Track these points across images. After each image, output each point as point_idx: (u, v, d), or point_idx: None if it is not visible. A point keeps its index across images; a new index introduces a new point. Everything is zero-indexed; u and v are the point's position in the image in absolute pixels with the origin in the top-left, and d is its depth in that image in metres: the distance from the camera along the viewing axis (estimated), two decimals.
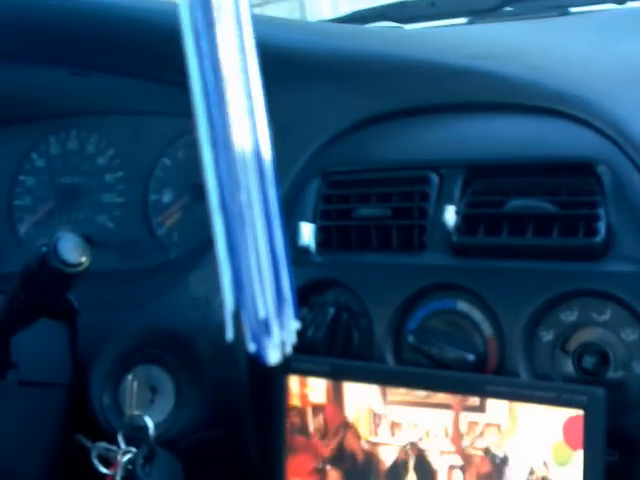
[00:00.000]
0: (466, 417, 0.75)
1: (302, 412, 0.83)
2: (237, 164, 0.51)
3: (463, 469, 0.76)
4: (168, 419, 0.92)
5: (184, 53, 0.51)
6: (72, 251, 0.78)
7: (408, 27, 1.36)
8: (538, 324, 0.77)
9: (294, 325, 0.50)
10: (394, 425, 0.79)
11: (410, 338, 0.81)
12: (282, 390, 0.84)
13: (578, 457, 0.70)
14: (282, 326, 0.50)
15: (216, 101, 0.51)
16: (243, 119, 0.51)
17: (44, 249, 0.78)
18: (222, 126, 0.51)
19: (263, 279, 0.50)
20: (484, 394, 0.74)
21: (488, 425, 0.74)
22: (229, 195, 0.50)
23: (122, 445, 0.90)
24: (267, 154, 0.51)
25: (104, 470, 0.90)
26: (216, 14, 0.51)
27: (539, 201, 0.79)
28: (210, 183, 0.51)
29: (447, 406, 0.76)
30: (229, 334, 0.48)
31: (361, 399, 0.81)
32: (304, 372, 0.83)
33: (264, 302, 0.50)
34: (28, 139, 1.24)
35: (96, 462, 0.90)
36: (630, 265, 0.74)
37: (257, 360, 0.49)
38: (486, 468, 0.74)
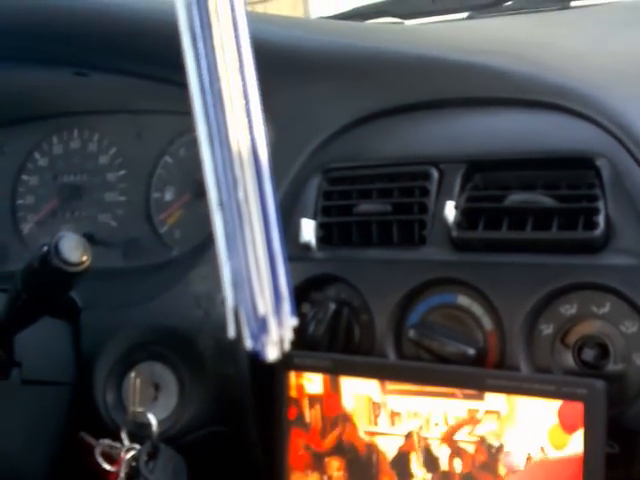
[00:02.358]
0: (465, 405, 0.76)
1: (300, 404, 0.84)
2: (234, 162, 0.51)
3: (464, 456, 0.76)
4: (171, 416, 0.92)
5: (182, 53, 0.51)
6: (73, 250, 0.79)
7: (408, 23, 1.37)
8: (538, 317, 0.77)
9: (292, 322, 0.50)
10: (394, 414, 0.79)
11: (411, 333, 0.81)
12: (283, 386, 0.84)
13: (574, 441, 0.71)
14: (280, 323, 0.50)
15: (213, 101, 0.51)
16: (239, 118, 0.51)
17: (45, 248, 0.79)
18: (219, 125, 0.51)
19: (261, 276, 0.51)
20: (485, 388, 0.75)
21: (487, 412, 0.75)
22: (227, 193, 0.51)
23: (126, 442, 0.90)
24: (264, 152, 0.52)
25: (108, 467, 0.90)
26: (213, 15, 0.52)
27: (539, 195, 0.79)
28: (209, 181, 0.51)
29: (446, 394, 0.77)
30: (231, 331, 0.49)
31: (359, 389, 0.81)
32: (306, 368, 0.83)
33: (262, 299, 0.50)
34: (31, 139, 1.24)
35: (100, 459, 0.91)
36: (629, 258, 0.75)
37: (257, 357, 0.50)
38: (486, 455, 0.75)
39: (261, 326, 0.50)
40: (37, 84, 1.17)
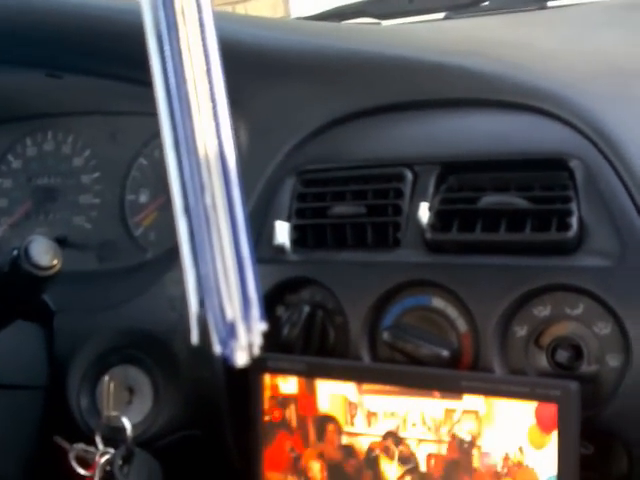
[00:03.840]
0: (443, 404, 0.76)
1: (275, 405, 0.83)
2: (201, 167, 0.50)
3: (442, 456, 0.76)
4: (146, 419, 0.92)
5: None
6: (43, 254, 0.78)
7: (385, 23, 1.36)
8: (512, 319, 0.77)
9: (261, 327, 0.50)
10: (370, 414, 0.79)
11: (385, 335, 0.81)
12: (258, 389, 0.84)
13: (552, 441, 0.70)
14: (249, 328, 0.50)
15: (179, 103, 0.51)
16: (206, 122, 0.51)
17: (15, 252, 0.78)
18: (185, 129, 0.51)
19: (229, 281, 0.50)
20: (459, 390, 0.75)
21: (465, 412, 0.75)
22: (194, 198, 0.50)
23: (100, 446, 0.90)
24: (231, 156, 0.51)
25: (82, 471, 0.90)
26: (179, 16, 0.51)
27: (512, 197, 0.79)
28: (174, 187, 0.51)
29: (423, 394, 0.77)
30: (194, 337, 0.49)
31: (335, 389, 0.81)
32: (280, 371, 0.83)
33: (230, 305, 0.50)
34: (4, 141, 1.23)
35: (74, 463, 0.90)
36: (602, 259, 0.75)
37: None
38: (464, 455, 0.75)
39: (229, 331, 0.50)
40: (9, 86, 1.17)
